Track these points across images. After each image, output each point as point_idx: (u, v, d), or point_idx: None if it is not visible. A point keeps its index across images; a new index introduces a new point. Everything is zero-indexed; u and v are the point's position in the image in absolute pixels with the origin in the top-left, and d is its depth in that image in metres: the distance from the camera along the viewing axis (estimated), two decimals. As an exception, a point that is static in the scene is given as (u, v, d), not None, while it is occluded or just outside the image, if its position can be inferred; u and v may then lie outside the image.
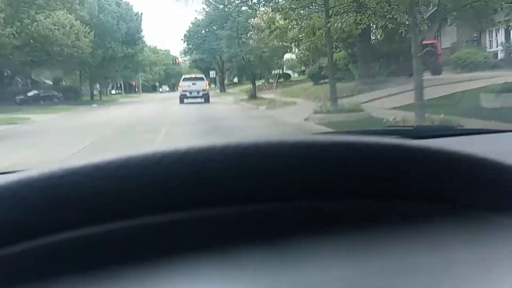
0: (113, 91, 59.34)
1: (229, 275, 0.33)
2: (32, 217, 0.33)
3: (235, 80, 52.32)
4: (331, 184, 0.36)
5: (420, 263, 0.34)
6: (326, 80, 19.05)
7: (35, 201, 0.33)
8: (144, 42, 34.49)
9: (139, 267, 0.33)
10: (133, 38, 30.25)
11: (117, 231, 0.34)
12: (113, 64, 30.28)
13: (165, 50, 73.64)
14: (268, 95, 21.25)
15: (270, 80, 33.65)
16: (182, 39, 36.32)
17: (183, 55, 58.29)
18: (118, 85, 60.53)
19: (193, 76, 22.93)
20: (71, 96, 28.00)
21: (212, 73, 43.81)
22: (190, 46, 36.82)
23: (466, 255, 0.35)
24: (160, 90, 66.15)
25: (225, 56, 22.85)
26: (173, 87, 60.78)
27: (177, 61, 62.18)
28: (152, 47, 66.98)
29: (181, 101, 20.37)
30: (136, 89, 62.05)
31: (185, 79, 21.41)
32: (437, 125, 3.94)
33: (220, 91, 38.12)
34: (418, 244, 0.36)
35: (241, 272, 0.33)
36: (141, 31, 32.25)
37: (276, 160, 0.35)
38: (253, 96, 19.28)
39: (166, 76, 70.07)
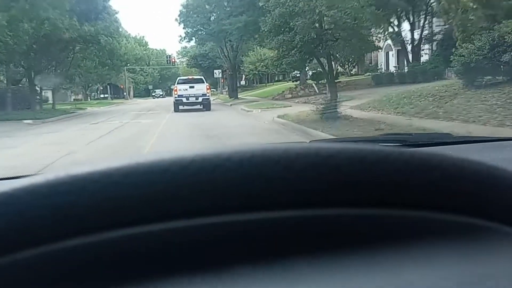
0: (102, 95, 49.55)
1: (231, 283, 0.33)
2: (36, 224, 0.33)
3: (242, 82, 41.85)
4: (327, 192, 0.36)
5: (416, 275, 0.34)
6: (501, 78, 8.50)
7: (40, 208, 0.33)
8: (118, 22, 22.47)
9: (143, 275, 0.33)
10: (94, 7, 18.41)
11: (122, 238, 0.33)
12: (64, 51, 19.16)
13: (160, 49, 64.56)
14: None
15: (309, 81, 23.01)
16: (176, 20, 25.06)
17: (180, 55, 48.89)
18: (101, 88, 50.77)
19: (190, 77, 20.30)
20: (16, 103, 18.35)
21: (218, 72, 32.72)
22: (188, 30, 25.54)
23: (464, 265, 0.35)
24: (154, 94, 57.23)
25: (272, 19, 11.41)
26: (169, 91, 51.03)
27: (173, 60, 53.37)
28: (138, 37, 57.02)
29: (176, 109, 17.88)
30: (125, 93, 51.91)
31: (180, 82, 18.90)
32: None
33: (230, 97, 27.00)
34: (414, 254, 0.36)
35: (244, 278, 0.33)
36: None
37: (280, 167, 0.35)
38: (333, 111, 8.23)
39: (162, 79, 61.56)
